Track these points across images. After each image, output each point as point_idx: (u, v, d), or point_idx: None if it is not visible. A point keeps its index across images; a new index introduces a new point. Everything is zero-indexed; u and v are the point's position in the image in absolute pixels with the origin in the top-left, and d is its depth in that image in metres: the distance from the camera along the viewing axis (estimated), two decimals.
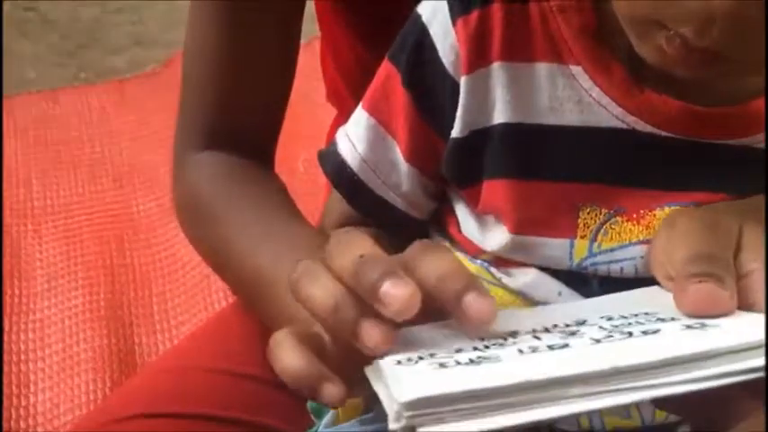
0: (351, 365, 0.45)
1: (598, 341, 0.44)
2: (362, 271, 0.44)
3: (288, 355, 0.46)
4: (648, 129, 0.59)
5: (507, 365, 0.42)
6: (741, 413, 0.46)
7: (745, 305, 0.47)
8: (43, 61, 1.87)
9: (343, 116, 0.87)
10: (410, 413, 0.40)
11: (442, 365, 0.42)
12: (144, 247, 1.41)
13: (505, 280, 0.62)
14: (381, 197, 0.66)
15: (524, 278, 0.62)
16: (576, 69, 0.60)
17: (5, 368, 1.21)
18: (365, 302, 0.44)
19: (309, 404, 0.64)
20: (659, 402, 0.51)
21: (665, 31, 0.52)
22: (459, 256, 0.64)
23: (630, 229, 0.60)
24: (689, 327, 0.44)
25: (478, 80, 0.61)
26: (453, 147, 0.63)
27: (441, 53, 0.62)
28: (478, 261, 0.63)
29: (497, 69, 0.61)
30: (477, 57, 0.61)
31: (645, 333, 0.44)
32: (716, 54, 0.51)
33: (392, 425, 0.41)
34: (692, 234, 0.49)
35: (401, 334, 0.45)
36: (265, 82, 0.78)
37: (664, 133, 0.59)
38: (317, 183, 0.70)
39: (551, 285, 0.60)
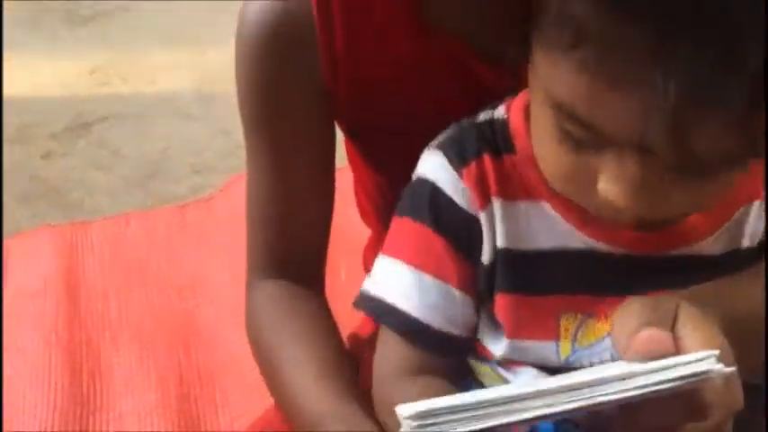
0: None
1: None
2: None
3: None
4: (608, 249, 0.68)
5: (488, 390, 0.54)
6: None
7: None
8: (116, 191, 1.93)
9: (375, 235, 1.00)
10: (415, 423, 0.51)
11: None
12: (207, 350, 1.47)
13: (509, 378, 0.70)
14: (446, 333, 0.71)
15: (525, 377, 0.69)
16: (546, 205, 0.69)
17: None
18: None
19: None
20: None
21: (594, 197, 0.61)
22: (472, 360, 0.72)
23: (600, 328, 0.68)
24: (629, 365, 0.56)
25: (489, 214, 0.69)
26: (484, 270, 0.70)
27: (455, 198, 0.69)
28: (488, 363, 0.71)
29: (496, 205, 0.69)
30: (484, 196, 0.69)
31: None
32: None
33: None
34: (638, 312, 0.58)
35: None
36: (309, 215, 0.83)
37: (620, 251, 0.68)
38: (356, 289, 0.77)
39: None
